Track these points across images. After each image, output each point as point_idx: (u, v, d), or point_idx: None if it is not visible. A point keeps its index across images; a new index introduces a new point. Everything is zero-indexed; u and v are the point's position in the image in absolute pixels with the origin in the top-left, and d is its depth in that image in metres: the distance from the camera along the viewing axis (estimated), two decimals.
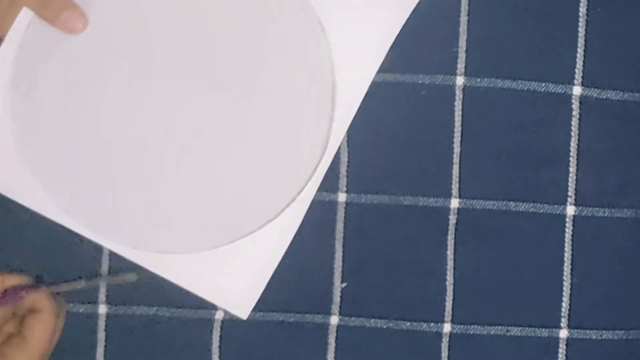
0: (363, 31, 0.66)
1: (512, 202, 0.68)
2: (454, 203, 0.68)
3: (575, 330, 0.68)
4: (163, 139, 0.66)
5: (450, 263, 0.68)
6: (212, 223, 0.66)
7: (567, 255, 0.68)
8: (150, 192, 0.66)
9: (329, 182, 0.67)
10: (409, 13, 0.66)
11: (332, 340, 0.68)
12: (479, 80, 0.67)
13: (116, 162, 0.66)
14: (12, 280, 0.66)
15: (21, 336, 0.64)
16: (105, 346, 0.68)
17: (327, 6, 0.66)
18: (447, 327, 0.68)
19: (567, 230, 0.68)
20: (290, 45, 0.66)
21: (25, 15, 0.66)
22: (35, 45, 0.66)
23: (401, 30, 0.66)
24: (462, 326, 0.68)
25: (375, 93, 0.66)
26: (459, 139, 0.67)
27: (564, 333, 0.68)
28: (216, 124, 0.66)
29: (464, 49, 0.67)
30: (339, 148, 0.67)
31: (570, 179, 0.68)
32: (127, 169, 0.66)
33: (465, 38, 0.67)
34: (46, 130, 0.66)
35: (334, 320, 0.68)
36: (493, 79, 0.67)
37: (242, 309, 0.67)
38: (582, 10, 0.68)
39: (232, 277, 0.67)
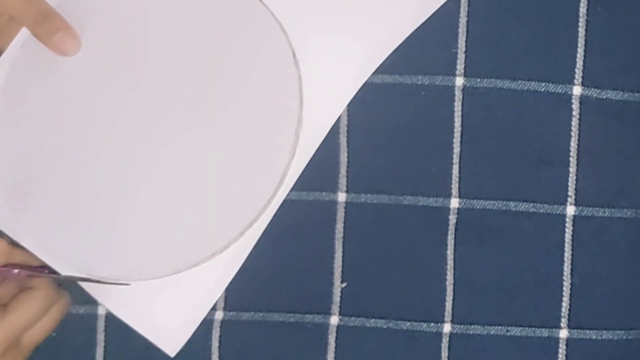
0: (345, 49, 0.66)
1: (512, 202, 0.68)
2: (454, 203, 0.67)
3: (575, 330, 0.68)
4: (125, 169, 0.66)
5: (450, 263, 0.68)
6: (153, 253, 0.66)
7: (567, 255, 0.68)
8: (96, 218, 0.66)
9: (329, 182, 0.67)
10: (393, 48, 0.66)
11: (332, 340, 0.68)
12: (478, 80, 0.67)
13: (73, 184, 0.66)
14: (18, 256, 0.65)
15: (3, 308, 0.62)
16: (104, 346, 0.68)
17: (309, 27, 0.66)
18: (447, 327, 0.68)
19: (567, 230, 0.68)
20: (262, 76, 0.66)
21: (24, 34, 0.66)
22: (26, 67, 0.66)
23: None
24: (462, 326, 0.68)
25: (375, 94, 0.66)
26: (459, 139, 0.67)
27: (564, 333, 0.68)
28: (181, 156, 0.66)
29: (464, 49, 0.67)
30: (339, 148, 0.67)
31: (570, 179, 0.68)
32: (83, 192, 0.66)
33: (464, 38, 0.67)
34: (19, 151, 0.67)
35: (334, 320, 0.68)
36: (492, 79, 0.67)
37: (171, 347, 0.66)
38: (582, 10, 0.68)
39: (165, 311, 0.66)
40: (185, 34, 0.66)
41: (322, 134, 0.66)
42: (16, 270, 0.64)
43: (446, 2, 0.66)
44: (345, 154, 0.67)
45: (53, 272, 0.66)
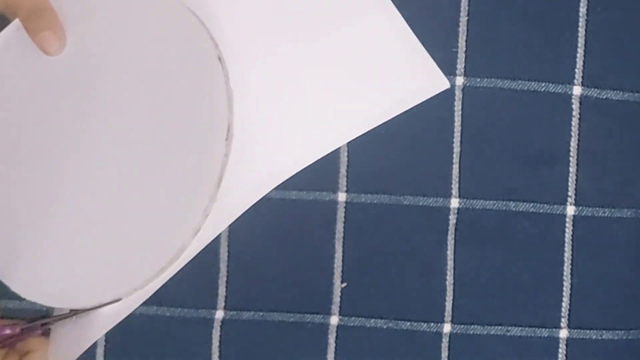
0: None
1: (512, 202, 0.68)
2: (454, 203, 0.68)
3: (575, 330, 0.68)
4: (60, 193, 0.65)
5: (450, 263, 0.68)
6: (45, 284, 0.65)
7: (567, 255, 0.68)
8: (13, 236, 0.66)
9: (329, 182, 0.67)
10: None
11: (332, 340, 0.68)
12: (478, 80, 0.67)
13: (11, 204, 0.66)
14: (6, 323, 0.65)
15: None
16: (105, 346, 0.68)
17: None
18: (447, 327, 0.68)
19: (567, 230, 0.68)
20: (189, 144, 0.64)
21: (16, 24, 0.66)
22: (9, 54, 0.66)
23: None
24: (462, 326, 0.68)
25: None
26: (459, 139, 0.67)
27: (564, 333, 0.68)
28: (93, 201, 0.65)
29: (464, 49, 0.67)
30: (339, 148, 0.67)
31: (570, 179, 0.68)
32: (23, 215, 0.66)
33: (464, 38, 0.67)
34: None
35: (334, 320, 0.68)
36: (493, 79, 0.67)
37: None
38: (582, 10, 0.68)
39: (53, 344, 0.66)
40: (147, 85, 0.65)
41: (239, 211, 0.64)
42: (8, 330, 0.64)
43: (447, 2, 0.66)
44: (345, 154, 0.67)
45: (41, 316, 0.66)
